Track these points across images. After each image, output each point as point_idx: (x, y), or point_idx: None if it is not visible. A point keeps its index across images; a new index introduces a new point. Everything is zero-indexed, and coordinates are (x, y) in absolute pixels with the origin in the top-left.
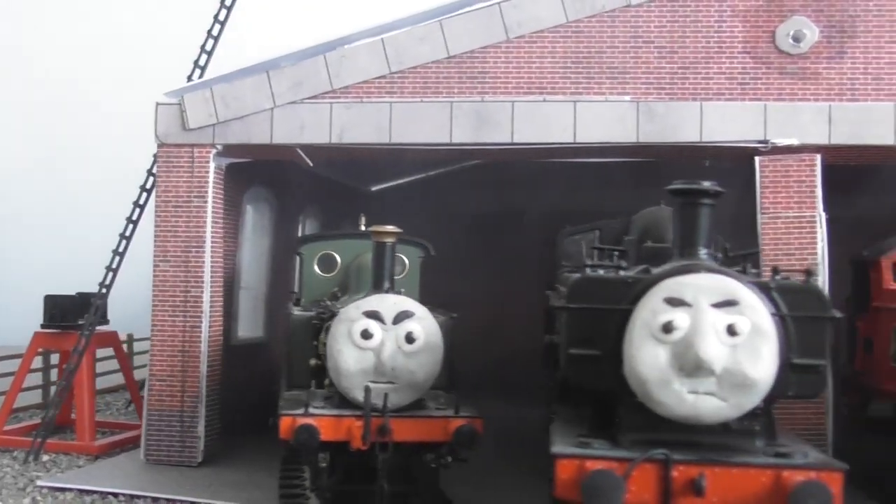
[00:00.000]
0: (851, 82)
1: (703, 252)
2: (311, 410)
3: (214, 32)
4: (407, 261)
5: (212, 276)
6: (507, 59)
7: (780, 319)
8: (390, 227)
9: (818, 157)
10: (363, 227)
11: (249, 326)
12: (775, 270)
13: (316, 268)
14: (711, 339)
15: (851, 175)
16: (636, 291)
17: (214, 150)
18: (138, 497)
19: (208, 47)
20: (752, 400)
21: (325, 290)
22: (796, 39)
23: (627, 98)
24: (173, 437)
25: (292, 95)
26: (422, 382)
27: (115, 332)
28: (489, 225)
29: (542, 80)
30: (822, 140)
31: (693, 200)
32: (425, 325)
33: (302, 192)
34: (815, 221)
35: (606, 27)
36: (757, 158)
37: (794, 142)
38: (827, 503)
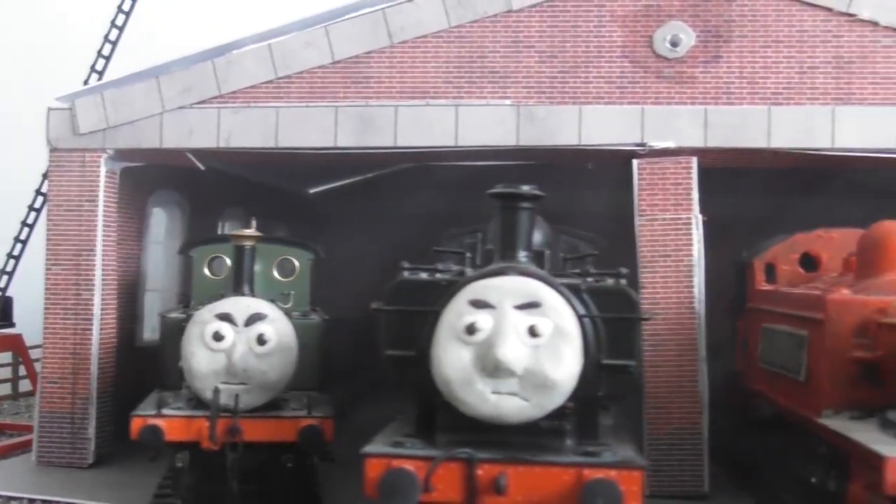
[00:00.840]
0: (727, 86)
1: (522, 254)
2: (165, 411)
3: (112, 37)
4: (297, 263)
5: (104, 280)
6: (391, 64)
7: (591, 321)
8: (249, 231)
9: (694, 160)
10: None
11: (158, 328)
12: (586, 273)
13: (206, 270)
14: (511, 340)
15: (754, 177)
16: (449, 294)
17: (105, 155)
18: (14, 498)
19: (106, 52)
20: (554, 400)
21: (214, 292)
22: (673, 44)
23: (508, 102)
24: (64, 438)
25: (181, 100)
26: (275, 383)
27: (18, 334)
28: (424, 226)
29: (425, 85)
30: (697, 143)
31: (512, 204)
32: (278, 326)
33: (222, 195)
34: (690, 223)
35: (488, 32)
36: (635, 161)
37: (671, 145)
38: (615, 500)
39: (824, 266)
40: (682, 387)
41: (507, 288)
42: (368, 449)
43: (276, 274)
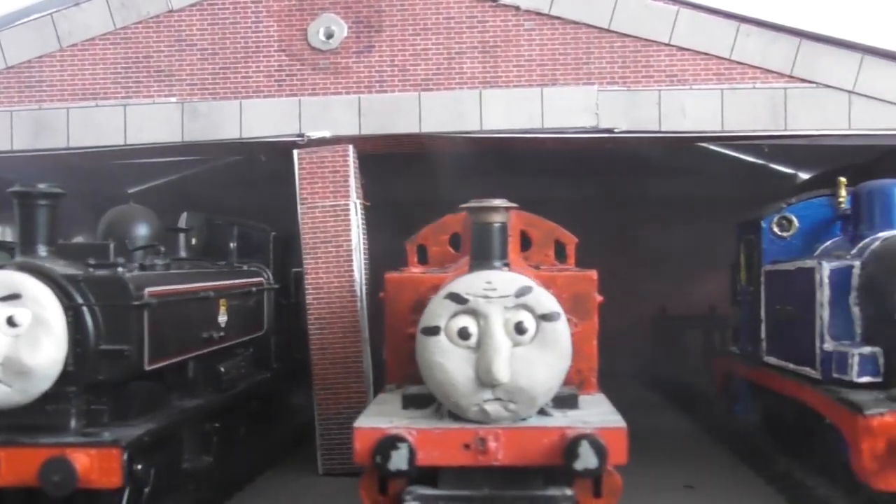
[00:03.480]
0: (379, 74)
1: (42, 249)
2: None
3: None
4: None
5: None
6: (62, 68)
7: (89, 309)
8: None
9: (350, 148)
10: None
11: None
12: (89, 264)
13: None
14: None
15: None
16: None
17: None
18: None
19: None
20: (37, 385)
21: None
22: (327, 36)
23: (174, 99)
24: None
25: None
26: None
27: None
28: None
29: (94, 86)
30: (353, 131)
31: (28, 202)
32: None
33: None
34: (348, 209)
35: (152, 32)
36: (295, 151)
37: (327, 134)
38: (68, 475)
39: None
40: (348, 368)
41: None
42: None
43: None
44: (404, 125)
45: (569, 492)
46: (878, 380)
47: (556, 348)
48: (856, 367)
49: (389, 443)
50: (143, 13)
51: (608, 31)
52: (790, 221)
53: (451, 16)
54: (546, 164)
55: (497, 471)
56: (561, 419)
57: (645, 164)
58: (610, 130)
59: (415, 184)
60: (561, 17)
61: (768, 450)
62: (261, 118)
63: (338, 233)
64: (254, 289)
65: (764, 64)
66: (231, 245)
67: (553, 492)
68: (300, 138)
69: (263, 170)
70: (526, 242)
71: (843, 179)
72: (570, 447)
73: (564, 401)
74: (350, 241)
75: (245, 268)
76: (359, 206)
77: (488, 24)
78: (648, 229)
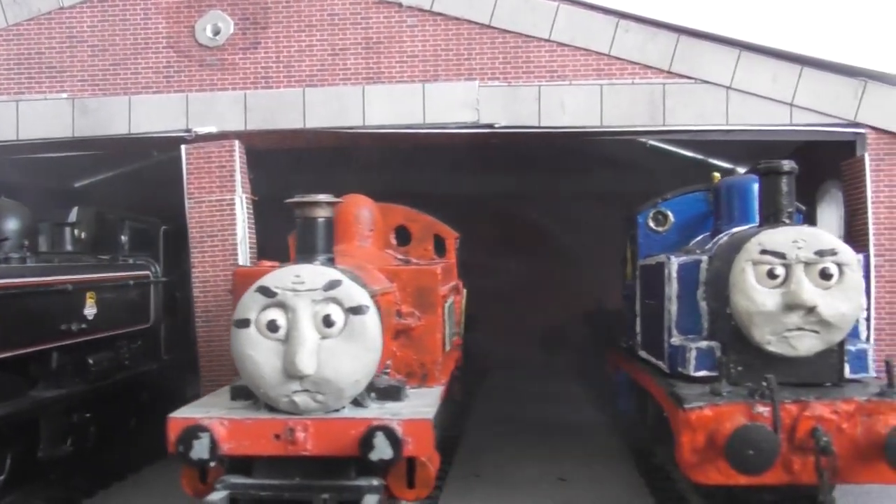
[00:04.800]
0: (265, 70)
1: None
2: None
3: None
4: None
5: None
6: None
7: None
8: None
9: (237, 143)
10: None
11: None
12: None
13: None
14: None
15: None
16: None
17: None
18: None
19: None
20: None
21: None
22: (214, 33)
23: (65, 95)
24: None
25: None
26: None
27: None
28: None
29: None
30: (239, 127)
31: None
32: None
33: None
34: (234, 204)
35: (44, 29)
36: (183, 147)
37: (213, 129)
38: None
39: None
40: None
41: None
42: None
43: None
44: (289, 120)
45: (376, 482)
46: (715, 374)
47: (363, 341)
48: (693, 361)
49: (192, 432)
50: (34, 10)
51: (489, 26)
52: (665, 216)
53: (336, 12)
54: (472, 159)
55: (310, 460)
56: (374, 411)
57: (581, 159)
58: (490, 126)
59: (324, 178)
60: (443, 13)
61: (651, 443)
62: (149, 114)
63: (223, 227)
64: (132, 282)
65: (643, 60)
66: (122, 239)
67: (361, 482)
68: (187, 133)
69: None
70: (407, 237)
71: (716, 174)
72: (365, 438)
73: (388, 393)
74: (235, 235)
75: (131, 261)
76: (245, 201)
77: (371, 21)
78: (586, 224)
